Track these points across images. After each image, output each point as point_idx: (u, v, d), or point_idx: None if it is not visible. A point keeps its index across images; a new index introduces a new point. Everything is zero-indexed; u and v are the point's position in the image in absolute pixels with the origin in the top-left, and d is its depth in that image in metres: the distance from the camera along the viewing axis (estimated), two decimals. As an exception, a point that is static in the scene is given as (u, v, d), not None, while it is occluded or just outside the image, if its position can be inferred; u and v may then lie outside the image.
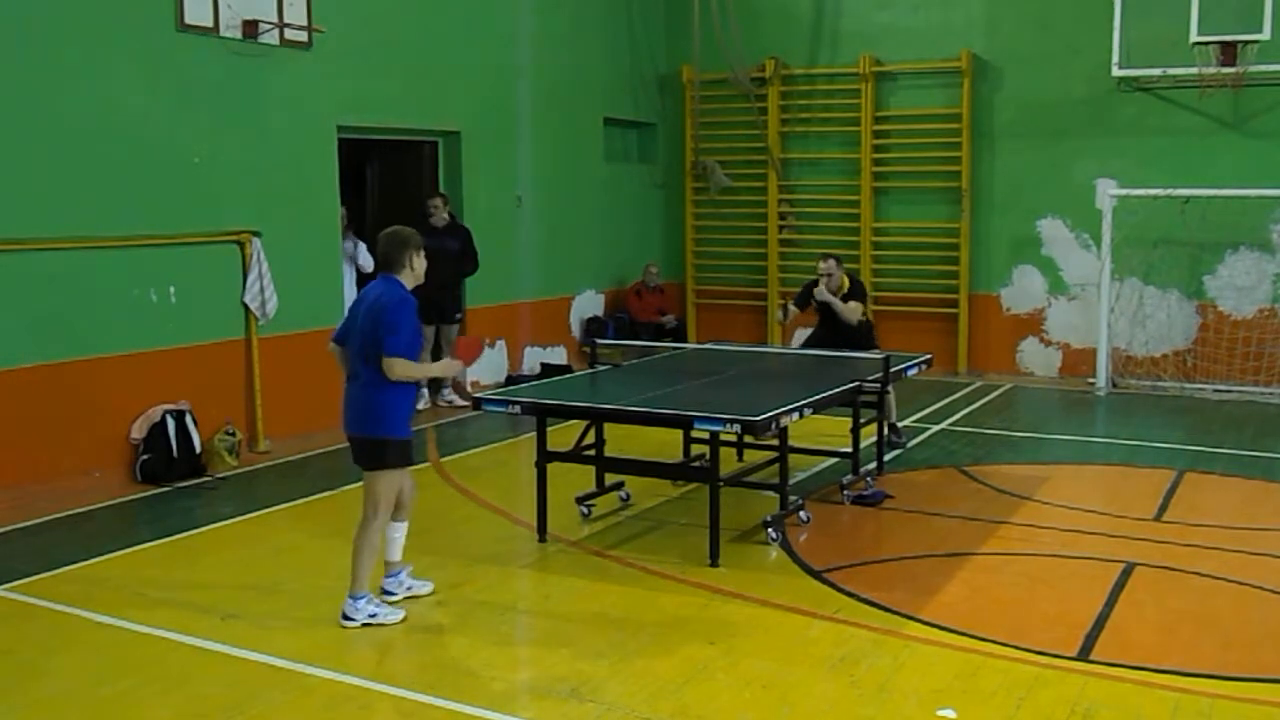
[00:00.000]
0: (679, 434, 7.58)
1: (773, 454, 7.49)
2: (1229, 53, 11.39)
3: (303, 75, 9.77)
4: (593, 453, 7.50)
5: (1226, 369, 12.03)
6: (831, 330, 9.33)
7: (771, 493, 7.23)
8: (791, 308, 9.46)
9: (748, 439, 7.52)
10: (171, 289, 8.91)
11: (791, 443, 7.22)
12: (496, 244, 11.85)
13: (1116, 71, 11.97)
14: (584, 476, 7.61)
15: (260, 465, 9.08)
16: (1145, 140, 12.33)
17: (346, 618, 5.67)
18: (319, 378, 10.16)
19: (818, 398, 7.03)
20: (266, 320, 9.52)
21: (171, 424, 8.61)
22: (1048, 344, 13.13)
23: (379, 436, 5.70)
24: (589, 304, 13.79)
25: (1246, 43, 11.30)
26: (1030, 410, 11.54)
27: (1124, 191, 12.03)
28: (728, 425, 6.29)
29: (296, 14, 9.58)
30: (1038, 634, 5.52)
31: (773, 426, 6.41)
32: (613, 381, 7.91)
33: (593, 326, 13.43)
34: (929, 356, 8.90)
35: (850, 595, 6.06)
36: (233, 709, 4.79)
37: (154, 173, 8.73)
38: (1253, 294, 12.11)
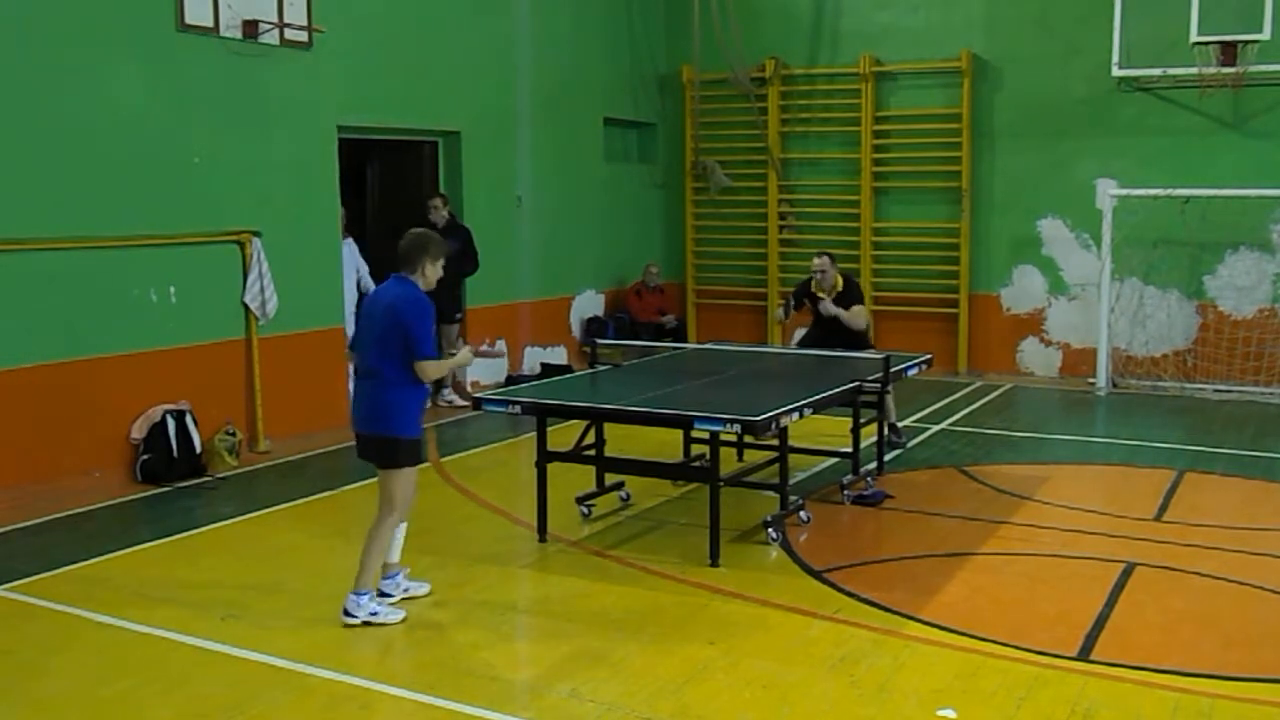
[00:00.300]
0: (679, 434, 7.58)
1: (773, 454, 7.49)
2: (1229, 53, 11.39)
3: (303, 75, 9.77)
4: (593, 453, 7.50)
5: (1226, 369, 12.03)
6: (826, 329, 9.33)
7: (771, 493, 7.23)
8: (780, 313, 9.43)
9: (748, 439, 7.52)
10: (171, 289, 8.91)
11: (791, 443, 7.22)
12: (496, 244, 11.85)
13: (1116, 71, 11.98)
14: (584, 476, 7.61)
15: (260, 465, 9.08)
16: (1145, 140, 12.33)
17: (347, 614, 5.67)
18: (319, 378, 10.22)
19: (818, 398, 7.03)
20: (266, 320, 9.53)
21: (172, 424, 8.61)
22: (1048, 344, 13.13)
23: (391, 435, 5.70)
24: (589, 304, 13.79)
25: (1246, 43, 11.30)
26: (1030, 410, 11.55)
27: (1124, 191, 12.03)
28: (728, 425, 6.29)
29: (296, 14, 9.58)
30: (1038, 634, 5.52)
31: (773, 426, 6.41)
32: (613, 381, 7.91)
33: (593, 326, 13.43)
34: (929, 356, 8.90)
35: (850, 595, 6.06)
36: (233, 709, 4.79)
37: (154, 173, 8.73)
38: (1253, 294, 12.11)
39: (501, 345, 6.27)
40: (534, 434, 7.13)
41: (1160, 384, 12.18)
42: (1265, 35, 11.14)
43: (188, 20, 8.81)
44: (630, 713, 4.74)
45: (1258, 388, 11.80)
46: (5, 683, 5.09)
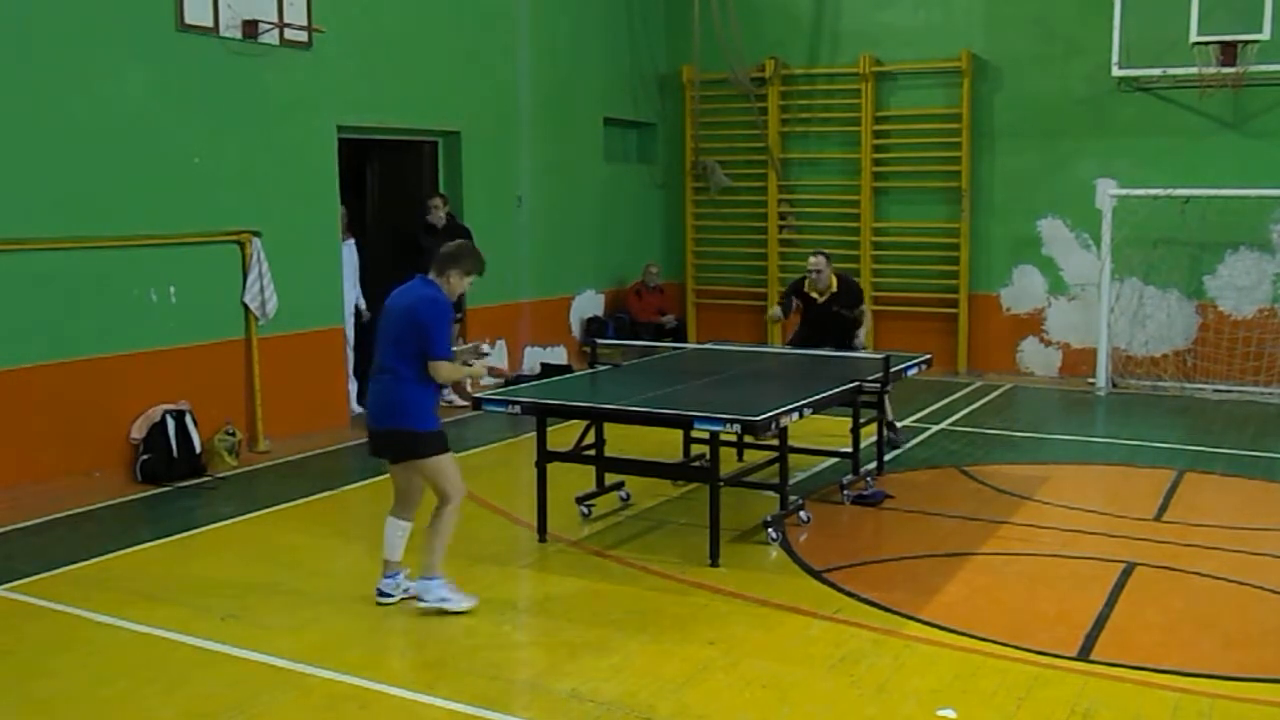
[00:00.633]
0: (679, 434, 7.58)
1: (773, 454, 7.49)
2: (1229, 53, 11.39)
3: (303, 75, 9.77)
4: (593, 453, 7.50)
5: (1226, 369, 12.03)
6: (817, 328, 9.33)
7: (771, 493, 7.23)
8: (778, 312, 9.40)
9: (748, 439, 7.51)
10: (171, 289, 8.91)
11: (791, 443, 7.22)
12: (496, 244, 11.83)
13: (1116, 71, 11.98)
14: (584, 476, 7.61)
15: (260, 465, 9.08)
16: (1145, 140, 12.33)
17: (419, 599, 5.78)
18: (319, 378, 10.22)
19: (818, 398, 7.03)
20: (266, 320, 9.52)
21: (171, 424, 8.60)
22: (1048, 344, 13.13)
23: (407, 429, 5.74)
24: (589, 304, 13.79)
25: (1246, 43, 11.31)
26: (1030, 410, 11.54)
27: (1124, 191, 12.03)
28: (728, 425, 6.29)
29: (296, 14, 9.58)
30: (1038, 634, 5.52)
31: (773, 426, 6.41)
32: (613, 381, 7.91)
33: (593, 326, 13.43)
34: (929, 356, 8.90)
35: (850, 595, 6.06)
36: (233, 709, 4.79)
37: (154, 173, 8.73)
38: (1253, 294, 12.11)
39: (491, 349, 6.27)
40: (534, 434, 7.13)
41: (1160, 384, 12.18)
42: (1265, 35, 11.14)
43: (188, 20, 8.81)
44: (630, 713, 4.74)
45: (1258, 388, 11.80)
46: (5, 683, 5.09)
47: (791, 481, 7.57)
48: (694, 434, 7.18)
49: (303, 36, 9.67)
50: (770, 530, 6.90)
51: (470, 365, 6.05)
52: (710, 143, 14.49)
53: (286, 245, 9.64)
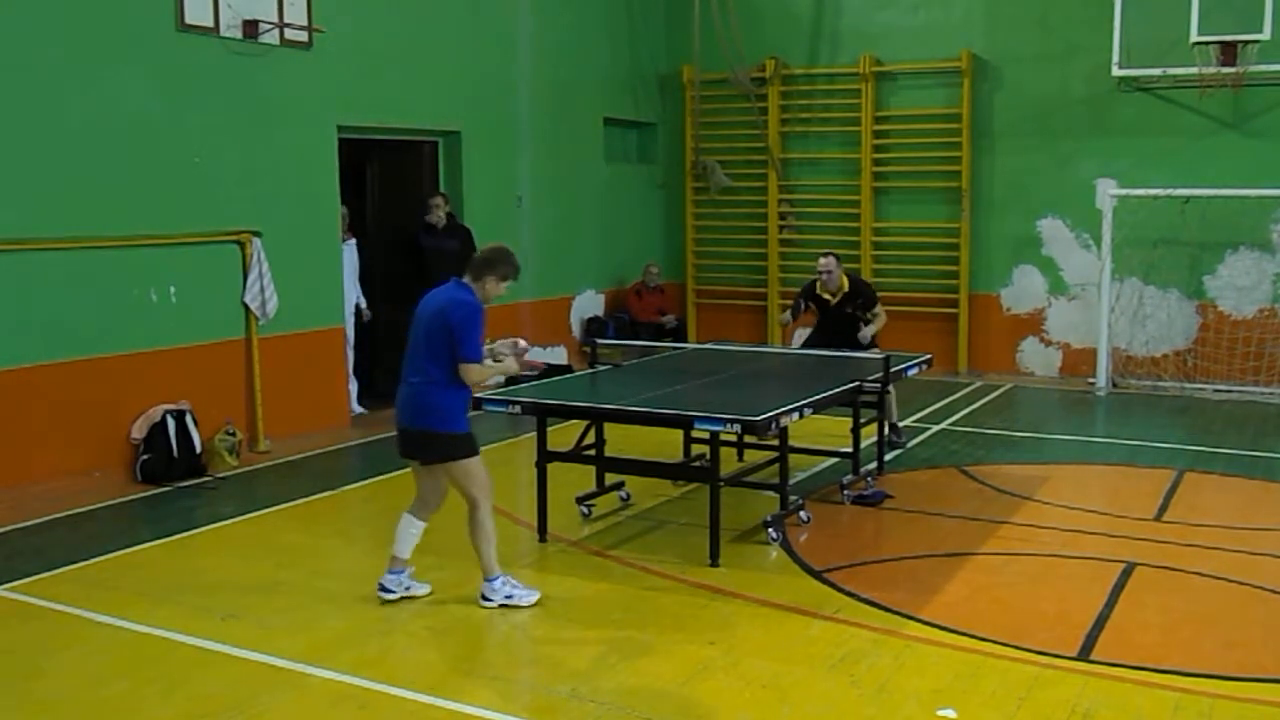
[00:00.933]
0: (679, 434, 7.58)
1: (773, 454, 7.49)
2: (1229, 53, 11.39)
3: (303, 75, 9.77)
4: (593, 453, 7.50)
5: (1226, 369, 12.03)
6: (832, 331, 9.32)
7: (771, 493, 7.23)
8: (788, 316, 9.40)
9: (748, 439, 7.51)
10: (171, 289, 8.91)
11: (791, 443, 7.22)
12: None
13: (1116, 71, 11.97)
14: (584, 476, 7.62)
15: (260, 465, 9.08)
16: (1145, 140, 12.33)
17: (484, 599, 5.86)
18: (319, 378, 10.22)
19: (818, 398, 7.03)
20: (267, 320, 9.53)
21: (172, 424, 8.61)
22: (1048, 344, 13.13)
23: (438, 431, 5.78)
24: (589, 304, 13.79)
25: (1246, 43, 11.30)
26: (1030, 410, 11.54)
27: (1124, 191, 12.03)
28: (728, 425, 6.29)
29: (296, 14, 9.58)
30: (1038, 634, 5.51)
31: (773, 426, 6.41)
32: (613, 381, 7.91)
33: (593, 326, 13.43)
34: (929, 356, 8.90)
35: (850, 595, 6.06)
36: (233, 709, 4.79)
37: (154, 173, 8.73)
38: (1253, 294, 12.11)
39: (524, 344, 6.36)
40: (534, 434, 7.14)
41: (1160, 384, 12.18)
42: (1265, 35, 11.14)
43: (188, 20, 8.81)
44: (630, 713, 4.74)
45: (1258, 388, 11.80)
46: (5, 683, 5.09)
47: (791, 481, 7.57)
48: (694, 434, 7.18)
49: (303, 36, 9.67)
50: (770, 530, 6.90)
51: (501, 361, 6.06)
52: (710, 143, 14.49)
53: (286, 245, 9.64)
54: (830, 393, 7.23)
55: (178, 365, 8.91)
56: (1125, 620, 5.74)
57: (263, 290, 9.43)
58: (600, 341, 8.81)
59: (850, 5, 13.66)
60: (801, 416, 6.73)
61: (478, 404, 7.16)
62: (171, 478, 8.48)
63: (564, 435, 7.53)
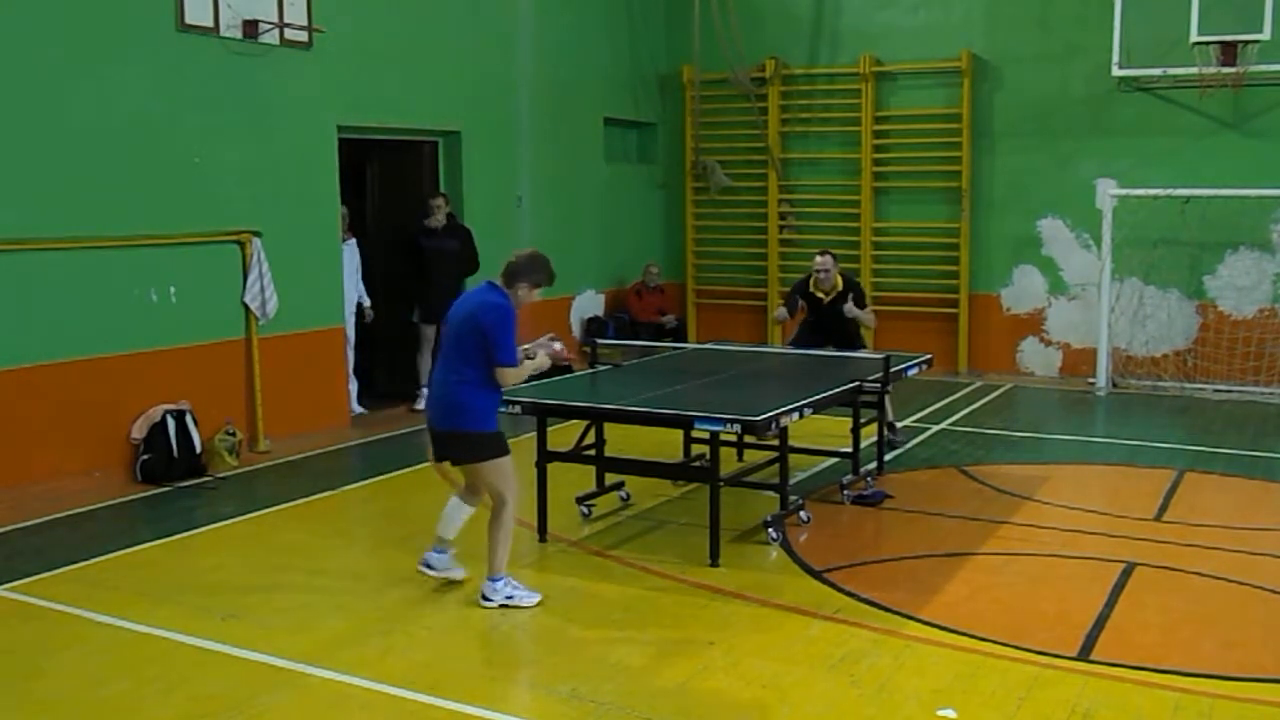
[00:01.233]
0: (679, 434, 7.58)
1: (773, 454, 7.49)
2: (1229, 53, 11.39)
3: (303, 75, 9.77)
4: (593, 453, 7.50)
5: (1226, 369, 12.03)
6: (820, 328, 9.33)
7: (771, 493, 7.24)
8: (783, 313, 9.39)
9: (748, 439, 7.51)
10: (171, 289, 8.91)
11: (791, 443, 7.22)
12: (496, 244, 11.80)
13: (1116, 71, 11.97)
14: (584, 476, 7.62)
15: (260, 465, 9.08)
16: (1145, 140, 12.33)
17: (485, 598, 5.86)
18: (319, 378, 10.22)
19: (818, 398, 7.03)
20: (267, 320, 9.52)
21: (172, 424, 8.61)
22: (1048, 344, 13.13)
23: (468, 431, 5.82)
24: (589, 304, 13.79)
25: (1246, 43, 11.30)
26: (1030, 410, 11.54)
27: (1124, 191, 12.03)
28: (728, 425, 6.29)
29: (296, 14, 9.58)
30: (1038, 634, 5.52)
31: (773, 426, 6.41)
32: (613, 381, 7.91)
33: (593, 326, 13.43)
34: (929, 356, 8.89)
35: (850, 595, 6.06)
36: (233, 709, 4.79)
37: (154, 173, 8.73)
38: (1253, 294, 12.11)
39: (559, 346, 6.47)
40: (534, 434, 7.13)
41: (1160, 384, 12.18)
42: (1265, 35, 11.13)
43: (188, 20, 8.81)
44: (630, 713, 4.74)
45: (1258, 388, 11.80)
46: (5, 683, 5.09)
47: (791, 481, 7.57)
48: (694, 434, 7.18)
49: (303, 36, 9.67)
50: (770, 530, 6.90)
51: (534, 358, 6.13)
52: (710, 143, 14.49)
53: (286, 245, 9.64)
54: (830, 393, 7.23)
55: (178, 365, 8.91)
56: (1125, 620, 5.74)
57: (263, 290, 9.43)
58: (600, 341, 8.80)
59: (850, 5, 13.65)
60: (801, 416, 6.74)
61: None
62: (171, 478, 8.48)
63: (564, 435, 7.53)
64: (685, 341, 13.71)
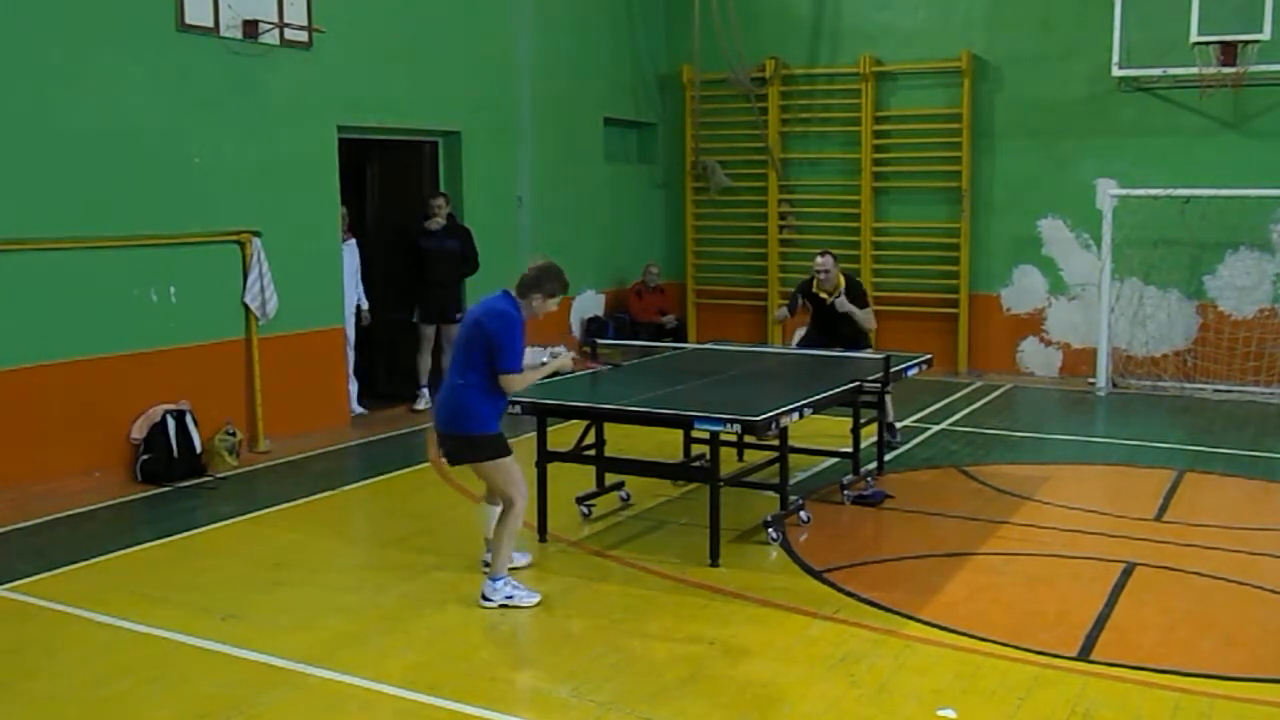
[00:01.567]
0: (679, 434, 7.57)
1: (773, 454, 7.49)
2: (1229, 53, 11.39)
3: (303, 75, 9.77)
4: (593, 453, 7.50)
5: (1226, 369, 12.03)
6: (826, 329, 9.32)
7: (771, 493, 7.23)
8: (784, 312, 9.37)
9: (748, 439, 7.51)
10: (171, 289, 8.91)
11: (791, 443, 7.22)
12: (496, 244, 11.84)
13: (1116, 71, 11.97)
14: (584, 476, 7.62)
15: (260, 465, 9.08)
16: (1145, 140, 12.33)
17: (485, 598, 5.91)
18: (319, 378, 10.22)
19: (818, 398, 7.03)
20: (267, 320, 9.52)
21: (172, 424, 8.61)
22: (1048, 344, 13.13)
23: (467, 433, 5.92)
24: (589, 304, 13.79)
25: (1246, 43, 11.30)
26: (1030, 410, 11.54)
27: (1124, 191, 12.03)
28: (728, 425, 6.29)
29: (296, 14, 9.58)
30: (1038, 634, 5.52)
31: (773, 426, 6.41)
32: (613, 381, 7.91)
33: (593, 326, 13.43)
34: (929, 356, 8.89)
35: (850, 595, 6.06)
36: (233, 709, 4.79)
37: (154, 173, 8.73)
38: (1253, 294, 12.11)
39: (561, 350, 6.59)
40: (534, 434, 7.13)
41: (1160, 384, 12.18)
42: (1265, 35, 11.13)
43: (188, 20, 8.81)
44: (630, 713, 4.74)
45: (1258, 388, 11.80)
46: (5, 682, 5.09)
47: (791, 481, 7.57)
48: (694, 434, 7.17)
49: (303, 36, 9.67)
50: (770, 530, 6.90)
51: (543, 364, 6.27)
52: (710, 143, 14.49)
53: (286, 245, 9.64)
54: (830, 393, 7.23)
55: (178, 365, 8.91)
56: (1125, 620, 5.75)
57: (263, 290, 9.43)
58: (600, 341, 8.80)
59: (850, 5, 13.66)
60: (801, 416, 6.74)
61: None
62: (171, 478, 8.48)
63: (564, 435, 7.53)
64: (685, 341, 13.71)
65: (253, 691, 4.96)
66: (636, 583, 6.31)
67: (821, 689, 4.96)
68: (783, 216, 14.21)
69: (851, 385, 7.50)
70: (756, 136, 14.18)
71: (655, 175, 14.96)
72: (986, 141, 13.12)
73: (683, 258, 14.86)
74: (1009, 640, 5.44)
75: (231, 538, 7.26)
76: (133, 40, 8.56)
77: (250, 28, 9.23)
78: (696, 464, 7.66)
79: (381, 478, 8.72)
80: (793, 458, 7.41)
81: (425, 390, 11.06)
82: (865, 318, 9.29)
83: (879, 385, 7.78)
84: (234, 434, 9.01)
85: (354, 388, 10.75)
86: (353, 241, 10.73)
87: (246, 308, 9.41)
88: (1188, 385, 12.06)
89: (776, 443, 7.11)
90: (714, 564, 6.50)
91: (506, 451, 5.98)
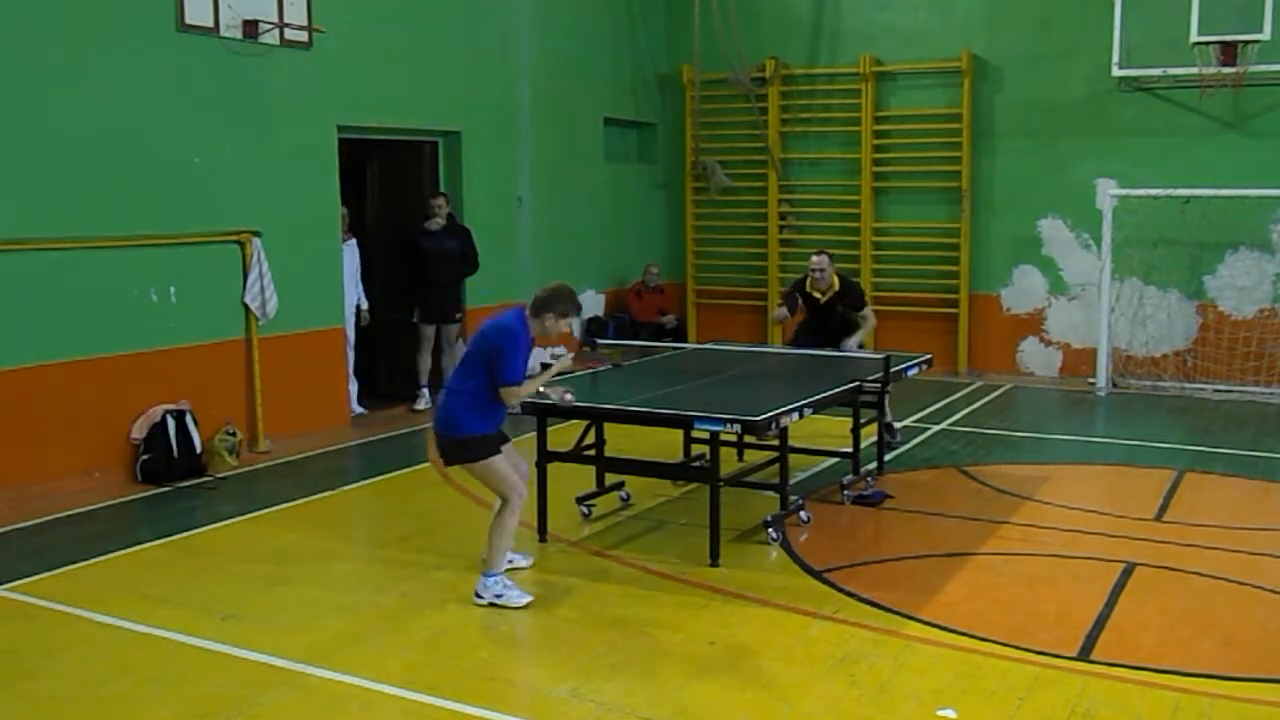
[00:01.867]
0: (679, 434, 7.57)
1: (773, 454, 7.49)
2: (1229, 53, 11.39)
3: (303, 75, 9.77)
4: (593, 453, 7.50)
5: (1226, 369, 12.03)
6: (818, 326, 9.32)
7: (771, 493, 7.24)
8: (784, 311, 9.37)
9: (748, 439, 7.51)
10: (171, 289, 8.91)
11: (791, 443, 7.22)
12: (496, 244, 11.85)
13: (1116, 71, 11.98)
14: (584, 476, 7.62)
15: (260, 465, 9.08)
16: (1145, 140, 12.33)
17: (477, 595, 5.98)
18: (319, 378, 10.22)
19: (818, 398, 7.03)
20: (267, 320, 9.52)
21: (172, 424, 8.61)
22: (1048, 344, 13.13)
23: (453, 436, 6.02)
24: (589, 304, 13.77)
25: (1246, 43, 11.30)
26: (1030, 410, 11.54)
27: (1124, 191, 12.03)
28: (728, 425, 6.29)
29: (296, 14, 9.57)
30: (1038, 634, 5.52)
31: (773, 426, 6.42)
32: (613, 381, 7.91)
33: (593, 326, 13.43)
34: (929, 356, 8.89)
35: (850, 595, 6.06)
36: (233, 709, 4.79)
37: (154, 173, 8.73)
38: (1253, 294, 12.11)
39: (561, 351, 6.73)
40: (534, 434, 7.14)
41: (1160, 384, 12.18)
42: (1265, 35, 11.13)
43: (188, 20, 8.80)
44: (630, 713, 4.74)
45: (1258, 388, 11.80)
46: (5, 682, 5.09)
47: (791, 481, 7.57)
48: (694, 434, 7.17)
49: (303, 36, 9.67)
50: (770, 530, 6.90)
51: (544, 369, 6.36)
52: (710, 143, 14.49)
53: (286, 245, 9.64)
54: (830, 393, 7.23)
55: (178, 365, 8.91)
56: (1125, 620, 5.75)
57: (263, 290, 9.43)
58: (600, 341, 8.80)
59: (850, 5, 13.66)
60: (801, 416, 6.74)
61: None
62: (171, 478, 8.48)
63: (564, 435, 7.53)
64: (685, 341, 13.71)
65: (253, 691, 4.96)
66: (636, 583, 6.31)
67: (821, 689, 4.97)
68: (783, 216, 14.21)
69: (851, 385, 7.50)
70: (756, 136, 14.18)
71: (655, 175, 14.96)
72: (986, 141, 13.12)
73: (683, 258, 14.87)
74: (1009, 640, 5.44)
75: (231, 538, 7.26)
76: (133, 40, 8.56)
77: (250, 28, 9.23)
78: (696, 464, 7.66)
79: (381, 478, 8.72)
80: (793, 458, 7.41)
81: (425, 390, 11.06)
82: (871, 324, 9.35)
83: (879, 385, 7.78)
84: (234, 434, 9.01)
85: (354, 388, 10.75)
86: (353, 241, 10.73)
87: (246, 308, 9.41)
88: (1188, 385, 12.06)
89: (776, 443, 7.11)
90: (714, 564, 6.50)
91: (493, 452, 6.03)
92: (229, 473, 8.77)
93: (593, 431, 7.48)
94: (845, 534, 7.33)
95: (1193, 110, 12.09)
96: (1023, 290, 13.18)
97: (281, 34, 9.48)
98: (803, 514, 7.36)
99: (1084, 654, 5.32)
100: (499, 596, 5.94)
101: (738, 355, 9.49)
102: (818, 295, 9.23)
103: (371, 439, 9.96)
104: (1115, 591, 6.12)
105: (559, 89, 12.90)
